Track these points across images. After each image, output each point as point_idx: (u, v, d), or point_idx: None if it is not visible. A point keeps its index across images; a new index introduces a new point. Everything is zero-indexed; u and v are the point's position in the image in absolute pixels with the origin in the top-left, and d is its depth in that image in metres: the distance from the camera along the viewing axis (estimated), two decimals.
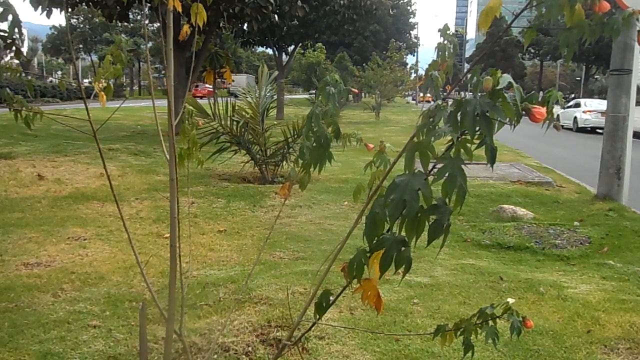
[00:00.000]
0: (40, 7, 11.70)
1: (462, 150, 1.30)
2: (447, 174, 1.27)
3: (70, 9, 20.24)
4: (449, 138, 1.31)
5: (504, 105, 1.25)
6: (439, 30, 1.43)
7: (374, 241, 1.38)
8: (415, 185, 1.28)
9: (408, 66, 46.29)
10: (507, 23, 1.49)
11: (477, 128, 1.24)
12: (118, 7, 13.74)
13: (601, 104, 20.01)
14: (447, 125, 1.28)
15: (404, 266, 1.37)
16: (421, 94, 54.26)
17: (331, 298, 1.62)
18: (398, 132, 18.78)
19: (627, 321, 3.28)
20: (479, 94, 1.29)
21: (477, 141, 1.29)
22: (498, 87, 1.26)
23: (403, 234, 1.36)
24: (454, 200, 1.28)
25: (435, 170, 1.33)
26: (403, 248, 1.36)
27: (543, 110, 1.29)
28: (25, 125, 1.97)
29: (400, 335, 3.03)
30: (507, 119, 1.28)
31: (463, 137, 1.29)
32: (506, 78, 1.27)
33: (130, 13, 21.19)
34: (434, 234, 1.32)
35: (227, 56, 19.83)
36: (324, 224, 5.86)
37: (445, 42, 1.42)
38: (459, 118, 1.26)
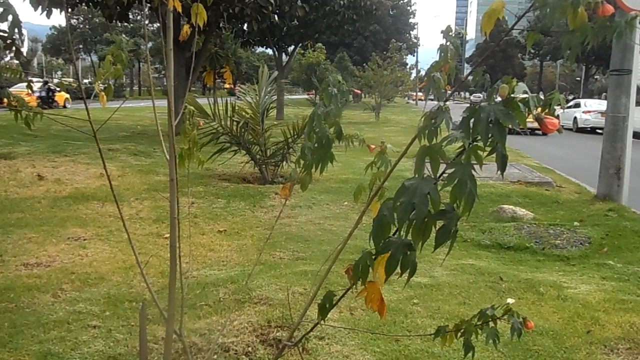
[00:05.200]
0: (40, 7, 11.68)
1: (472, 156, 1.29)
2: (456, 180, 1.26)
3: (70, 9, 20.23)
4: (458, 144, 1.31)
5: (517, 114, 1.25)
6: (442, 32, 1.43)
7: (381, 244, 1.38)
8: (425, 189, 1.28)
9: (408, 66, 46.32)
10: (508, 23, 1.50)
11: (490, 135, 1.24)
12: (118, 8, 13.73)
13: (601, 104, 20.03)
14: (459, 131, 1.28)
15: (408, 270, 1.37)
16: (417, 94, 54.34)
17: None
18: (398, 132, 18.78)
19: (627, 321, 3.28)
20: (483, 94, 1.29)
21: (489, 148, 1.28)
22: (513, 95, 1.26)
23: (409, 237, 1.35)
24: (462, 206, 1.28)
25: (445, 174, 1.33)
26: (409, 252, 1.36)
27: (556, 121, 1.29)
28: (25, 126, 1.97)
29: (400, 336, 3.03)
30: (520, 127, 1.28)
31: (475, 143, 1.29)
32: (521, 87, 1.27)
33: (130, 13, 21.17)
34: (441, 239, 1.32)
35: (227, 56, 19.82)
36: (324, 224, 5.86)
37: (448, 43, 1.42)
38: (471, 124, 1.26)
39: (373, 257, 1.41)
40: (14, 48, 1.95)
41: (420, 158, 1.34)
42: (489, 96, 1.30)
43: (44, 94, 26.82)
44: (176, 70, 12.16)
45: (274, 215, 6.18)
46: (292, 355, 2.80)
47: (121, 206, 2.45)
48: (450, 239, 1.32)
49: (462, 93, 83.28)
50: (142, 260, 2.44)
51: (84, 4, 14.85)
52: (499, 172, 1.29)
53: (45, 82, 28.05)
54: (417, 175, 1.32)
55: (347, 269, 1.49)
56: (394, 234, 1.39)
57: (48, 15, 12.37)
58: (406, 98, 60.04)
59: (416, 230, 1.32)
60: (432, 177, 1.32)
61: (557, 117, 1.36)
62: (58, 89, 27.67)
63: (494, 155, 1.30)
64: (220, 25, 15.57)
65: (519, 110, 1.25)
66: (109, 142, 11.61)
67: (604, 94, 44.94)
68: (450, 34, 1.42)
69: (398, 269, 1.37)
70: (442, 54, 1.43)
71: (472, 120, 1.26)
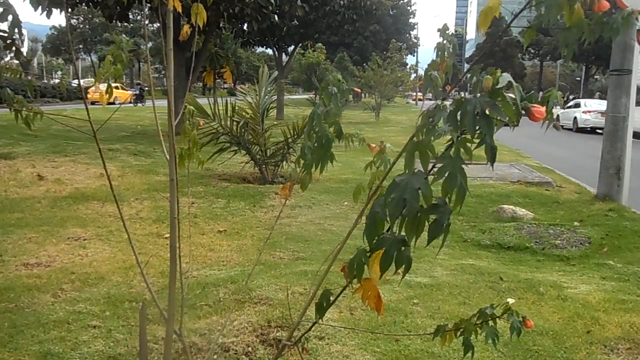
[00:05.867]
0: (40, 7, 11.69)
1: (462, 149, 1.30)
2: (447, 173, 1.27)
3: (70, 9, 20.23)
4: (449, 137, 1.31)
5: (503, 104, 1.25)
6: (439, 30, 1.42)
7: (374, 241, 1.38)
8: (416, 184, 1.28)
9: (408, 66, 46.31)
10: (507, 23, 1.49)
11: (477, 127, 1.24)
12: (118, 8, 13.73)
13: (601, 104, 20.04)
14: (447, 125, 1.28)
15: (404, 266, 1.37)
16: (417, 94, 54.38)
17: (331, 298, 1.62)
18: (398, 132, 18.78)
19: (627, 321, 3.28)
20: (479, 94, 1.29)
21: (477, 140, 1.28)
22: (498, 86, 1.26)
23: (403, 233, 1.36)
24: (454, 200, 1.28)
25: (435, 169, 1.33)
26: (403, 248, 1.36)
27: (542, 109, 1.29)
28: (25, 126, 1.97)
29: (400, 336, 3.03)
30: (507, 119, 1.28)
31: (463, 136, 1.29)
32: (506, 77, 1.27)
33: (130, 13, 21.17)
34: (434, 234, 1.32)
35: (227, 56, 19.84)
36: (324, 224, 5.86)
37: (445, 42, 1.42)
38: (458, 117, 1.26)
39: (368, 254, 1.42)
40: (14, 48, 1.95)
41: (409, 153, 1.34)
42: (474, 88, 1.30)
43: (137, 92, 34.73)
44: (176, 70, 12.13)
45: (274, 215, 6.18)
46: (292, 355, 2.80)
47: (121, 206, 2.45)
48: (443, 233, 1.32)
49: (462, 93, 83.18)
50: (142, 260, 2.44)
51: (84, 4, 14.86)
52: (489, 163, 1.29)
53: (138, 83, 38.82)
54: (407, 171, 1.32)
55: (343, 267, 1.49)
56: (387, 231, 1.39)
57: (48, 15, 12.38)
58: (406, 98, 60.02)
59: (409, 226, 1.33)
60: (423, 172, 1.32)
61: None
62: (147, 87, 35.23)
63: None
64: (220, 25, 15.57)
65: (506, 100, 1.25)
66: (109, 142, 11.61)
67: (598, 93, 45.01)
68: (448, 32, 1.42)
69: (394, 267, 1.37)
70: (439, 53, 1.43)
71: (459, 113, 1.26)
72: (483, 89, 1.28)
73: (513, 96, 1.28)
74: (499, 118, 1.27)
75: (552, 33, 40.49)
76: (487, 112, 1.24)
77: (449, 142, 1.31)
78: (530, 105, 1.28)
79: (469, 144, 1.30)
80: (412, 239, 1.34)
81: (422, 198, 1.30)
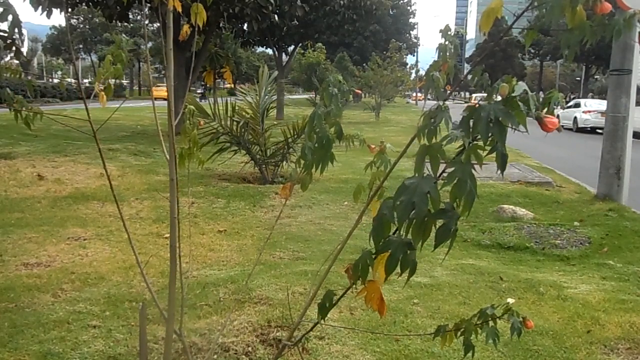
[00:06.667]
0: (40, 7, 11.69)
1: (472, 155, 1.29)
2: (456, 179, 1.26)
3: (70, 9, 20.23)
4: (458, 143, 1.31)
5: (517, 113, 1.25)
6: (440, 31, 1.43)
7: (380, 243, 1.38)
8: (425, 188, 1.28)
9: (408, 66, 46.34)
10: (508, 23, 1.49)
11: (490, 134, 1.24)
12: (118, 7, 13.74)
13: (601, 104, 20.07)
14: (459, 130, 1.28)
15: (408, 269, 1.37)
16: (417, 95, 54.41)
17: (334, 299, 1.62)
18: (398, 132, 18.79)
19: (627, 321, 3.28)
20: (481, 93, 1.29)
21: (489, 147, 1.28)
22: (513, 95, 1.26)
23: (409, 236, 1.35)
24: (462, 205, 1.28)
25: (445, 174, 1.33)
26: (409, 251, 1.36)
27: (556, 120, 1.29)
28: (25, 126, 1.97)
29: (400, 336, 3.03)
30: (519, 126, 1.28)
31: (474, 142, 1.29)
32: (521, 86, 1.27)
33: (130, 13, 21.18)
34: (441, 238, 1.32)
35: (227, 56, 19.85)
36: (324, 224, 5.86)
37: (447, 43, 1.42)
38: (471, 124, 1.26)
39: (373, 256, 1.41)
40: (14, 48, 1.95)
41: (420, 157, 1.34)
42: (488, 95, 1.30)
43: (202, 91, 36.19)
44: (176, 70, 12.15)
45: (274, 215, 6.18)
46: (292, 355, 2.80)
47: (121, 206, 2.45)
48: (450, 238, 1.32)
49: (462, 93, 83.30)
50: (142, 260, 2.44)
51: (84, 4, 14.87)
52: (499, 171, 1.29)
53: (202, 84, 41.06)
54: (417, 175, 1.32)
55: (347, 268, 1.49)
56: (393, 233, 1.39)
57: (48, 15, 12.37)
58: (406, 98, 60.02)
59: (416, 229, 1.32)
60: (432, 176, 1.32)
61: (558, 116, 1.36)
62: (209, 87, 35.67)
63: (494, 154, 1.30)
64: (220, 25, 15.58)
65: (519, 109, 1.25)
66: (109, 142, 11.61)
67: (590, 94, 45.21)
68: (449, 33, 1.42)
69: (398, 269, 1.37)
70: (441, 54, 1.43)
71: (472, 119, 1.26)
72: (499, 95, 1.28)
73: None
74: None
75: (552, 33, 40.51)
76: (500, 119, 1.23)
77: (460, 148, 1.31)
78: (544, 115, 1.28)
79: (479, 151, 1.30)
80: (419, 242, 1.34)
81: (430, 202, 1.29)
